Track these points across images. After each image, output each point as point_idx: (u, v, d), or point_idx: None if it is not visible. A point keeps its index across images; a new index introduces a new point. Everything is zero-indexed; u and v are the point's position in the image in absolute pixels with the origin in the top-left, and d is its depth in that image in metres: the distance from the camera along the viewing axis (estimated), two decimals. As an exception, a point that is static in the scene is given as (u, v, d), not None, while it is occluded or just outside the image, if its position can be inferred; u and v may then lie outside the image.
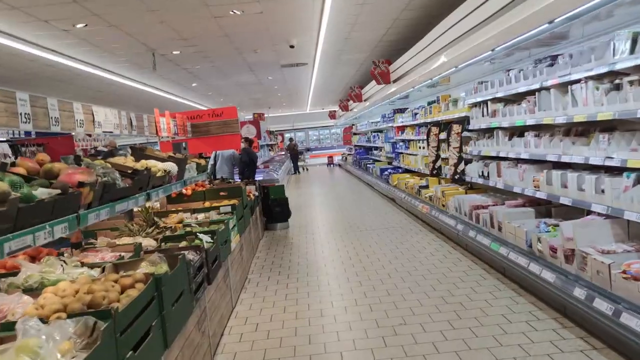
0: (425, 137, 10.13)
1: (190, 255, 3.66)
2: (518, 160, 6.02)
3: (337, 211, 11.33)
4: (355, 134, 24.32)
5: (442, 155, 8.81)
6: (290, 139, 25.57)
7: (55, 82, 12.25)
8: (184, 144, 7.38)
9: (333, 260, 6.77)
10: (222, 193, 6.42)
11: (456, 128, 7.78)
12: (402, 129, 13.07)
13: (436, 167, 8.95)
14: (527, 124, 5.52)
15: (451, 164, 7.94)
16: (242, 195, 6.38)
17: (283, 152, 26.07)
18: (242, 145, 10.39)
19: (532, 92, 5.52)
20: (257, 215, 8.39)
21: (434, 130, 9.01)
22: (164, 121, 6.17)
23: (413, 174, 11.83)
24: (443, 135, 8.79)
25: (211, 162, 10.27)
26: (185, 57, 10.92)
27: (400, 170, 13.07)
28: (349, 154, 26.50)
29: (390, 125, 14.40)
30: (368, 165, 17.29)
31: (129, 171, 3.82)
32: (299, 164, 25.45)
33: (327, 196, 14.60)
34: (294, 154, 24.68)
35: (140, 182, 3.87)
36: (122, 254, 3.59)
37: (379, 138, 16.74)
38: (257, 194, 8.90)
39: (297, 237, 8.51)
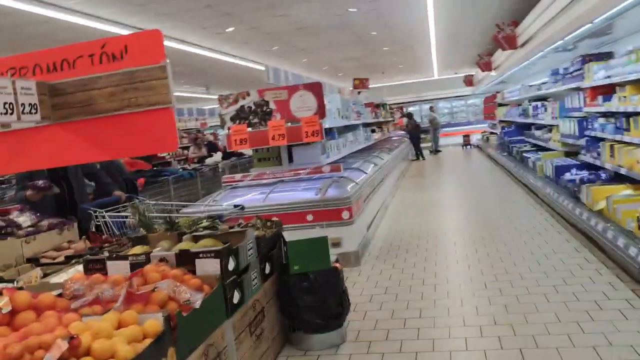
0: None
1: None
2: None
3: (467, 273, 5.35)
4: (500, 104, 17.49)
5: None
6: (409, 114, 19.41)
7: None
8: None
9: None
10: None
11: None
12: (606, 90, 6.62)
13: None
14: None
15: None
16: None
17: (403, 132, 20.01)
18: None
19: None
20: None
21: None
22: None
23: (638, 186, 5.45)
24: None
25: None
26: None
27: (603, 177, 6.62)
28: (491, 132, 19.69)
29: (573, 85, 7.88)
30: (525, 155, 10.77)
31: None
32: (423, 145, 19.28)
33: (451, 215, 8.52)
34: (416, 133, 18.53)
35: None
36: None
37: (545, 110, 10.13)
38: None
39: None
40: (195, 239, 3.43)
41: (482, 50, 15.11)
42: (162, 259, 2.98)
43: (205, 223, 3.80)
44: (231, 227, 3.87)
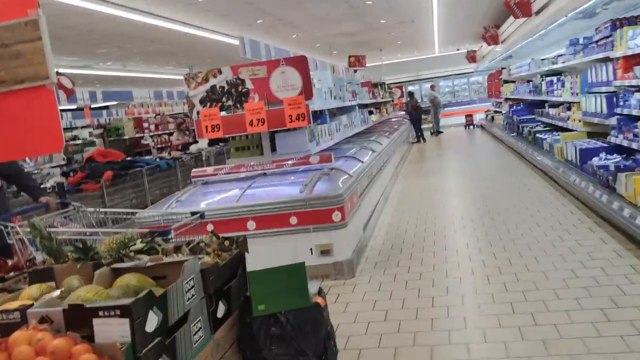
0: None
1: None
2: None
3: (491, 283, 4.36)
4: (507, 81, 16.38)
5: None
6: (410, 93, 18.25)
7: None
8: None
9: None
10: None
11: None
12: (646, 60, 5.61)
13: None
14: None
15: None
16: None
17: (402, 113, 18.90)
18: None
19: None
20: None
21: None
22: None
23: None
24: None
25: None
26: None
27: (643, 161, 5.61)
28: (496, 111, 18.62)
29: (599, 56, 6.83)
30: (539, 136, 9.74)
31: None
32: (424, 126, 18.19)
33: (459, 207, 7.49)
34: (416, 114, 17.40)
35: None
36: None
37: (562, 85, 9.06)
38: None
39: None
40: (115, 274, 2.42)
41: (487, 22, 13.95)
42: (44, 319, 1.96)
43: (139, 244, 2.79)
44: (177, 248, 2.88)
